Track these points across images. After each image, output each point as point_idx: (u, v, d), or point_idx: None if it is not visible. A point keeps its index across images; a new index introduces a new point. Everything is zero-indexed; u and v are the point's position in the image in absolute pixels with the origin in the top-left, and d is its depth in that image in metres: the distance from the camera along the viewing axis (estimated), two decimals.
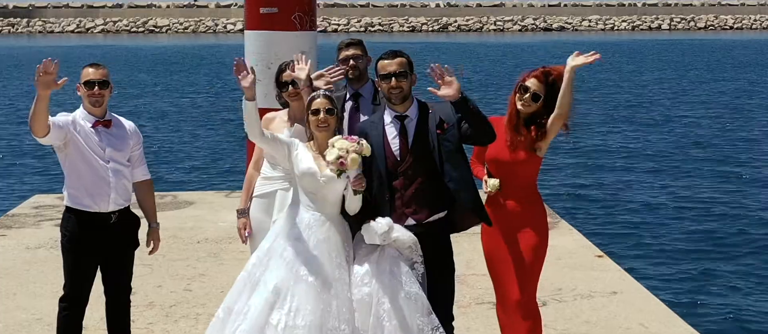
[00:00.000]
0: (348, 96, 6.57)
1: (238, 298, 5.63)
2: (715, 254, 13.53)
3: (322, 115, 5.71)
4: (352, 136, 5.63)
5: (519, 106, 6.21)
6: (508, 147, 6.20)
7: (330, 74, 6.51)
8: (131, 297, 6.76)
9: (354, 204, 5.64)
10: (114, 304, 6.57)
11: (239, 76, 5.68)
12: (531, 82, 6.19)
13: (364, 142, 5.59)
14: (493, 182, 6.16)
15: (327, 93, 5.83)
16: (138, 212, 6.72)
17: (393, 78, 5.72)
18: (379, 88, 5.88)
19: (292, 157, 5.73)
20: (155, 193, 11.93)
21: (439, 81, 5.57)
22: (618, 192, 18.42)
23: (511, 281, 6.25)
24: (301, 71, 6.15)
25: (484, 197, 6.14)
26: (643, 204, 17.13)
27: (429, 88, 5.64)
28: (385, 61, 5.78)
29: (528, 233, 6.25)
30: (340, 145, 5.55)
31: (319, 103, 5.74)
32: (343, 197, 5.68)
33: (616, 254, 12.51)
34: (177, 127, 29.92)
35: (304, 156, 5.70)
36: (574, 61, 6.10)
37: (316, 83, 6.35)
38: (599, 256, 10.21)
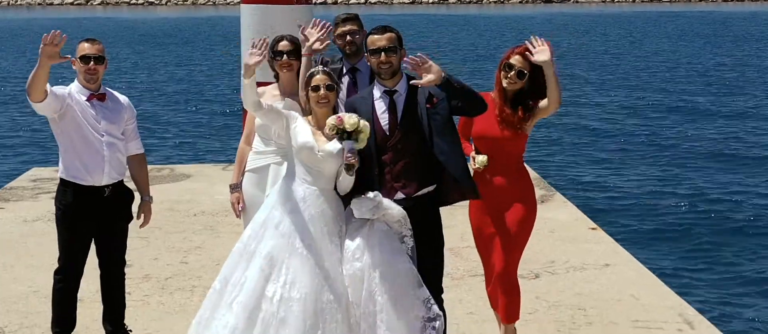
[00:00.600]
0: (345, 71, 6.59)
1: (235, 269, 5.69)
2: (708, 227, 13.59)
3: (322, 91, 5.74)
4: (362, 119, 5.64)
5: (505, 84, 6.25)
6: (496, 124, 6.24)
7: (318, 29, 6.41)
8: (127, 269, 6.84)
9: (346, 183, 5.68)
10: (108, 276, 6.64)
11: (250, 52, 5.71)
12: (515, 60, 6.23)
13: (365, 123, 5.61)
14: (482, 159, 6.21)
15: (326, 69, 5.86)
16: (132, 185, 6.79)
17: (383, 53, 5.76)
18: (369, 63, 5.91)
19: (290, 129, 5.76)
20: (153, 166, 12.00)
21: (418, 71, 5.59)
22: (614, 166, 18.49)
23: (496, 252, 6.31)
24: (311, 36, 6.16)
25: (471, 173, 6.20)
26: (639, 178, 17.20)
27: (412, 82, 5.68)
28: (375, 37, 5.81)
29: (515, 207, 6.30)
30: (341, 113, 5.61)
31: (319, 79, 5.77)
32: (337, 174, 5.73)
33: (611, 226, 12.58)
34: (174, 99, 29.97)
35: (302, 129, 5.74)
36: (539, 58, 6.11)
37: (312, 47, 6.31)
38: (593, 228, 10.28)
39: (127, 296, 6.95)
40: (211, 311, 5.67)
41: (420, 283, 5.69)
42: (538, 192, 11.91)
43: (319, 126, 5.76)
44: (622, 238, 10.84)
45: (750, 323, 9.64)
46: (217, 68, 39.78)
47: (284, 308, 5.49)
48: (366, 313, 5.60)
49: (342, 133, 5.54)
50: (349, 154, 5.58)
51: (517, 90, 6.26)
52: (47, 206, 11.24)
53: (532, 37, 6.22)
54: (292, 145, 5.77)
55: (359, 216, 5.67)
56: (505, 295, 6.34)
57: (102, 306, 6.77)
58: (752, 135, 21.75)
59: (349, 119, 5.55)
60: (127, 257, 6.82)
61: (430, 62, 5.59)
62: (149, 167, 14.20)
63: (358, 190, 5.71)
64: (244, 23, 10.47)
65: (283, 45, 6.39)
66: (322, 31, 6.35)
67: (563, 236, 9.91)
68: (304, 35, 6.18)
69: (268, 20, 10.17)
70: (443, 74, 5.60)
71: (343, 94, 6.46)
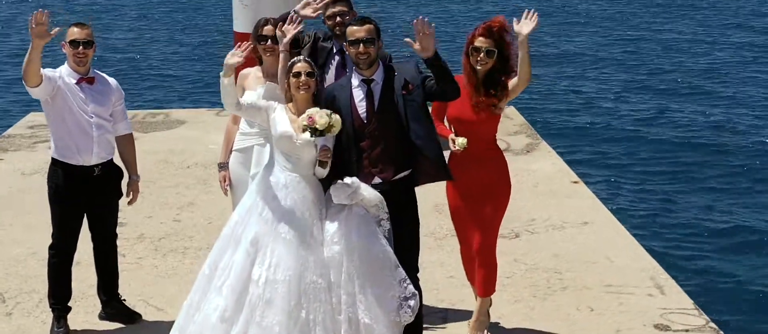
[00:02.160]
0: (334, 50, 6.77)
1: (223, 255, 5.97)
2: (689, 187, 13.84)
3: (303, 77, 5.95)
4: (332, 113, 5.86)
5: (477, 67, 6.46)
6: (470, 107, 6.47)
7: (316, 2, 6.68)
8: (121, 229, 7.14)
9: (319, 172, 5.94)
10: (100, 249, 6.93)
11: (231, 53, 5.93)
12: (480, 41, 6.43)
13: (336, 117, 5.85)
14: (461, 141, 6.43)
15: (307, 58, 6.07)
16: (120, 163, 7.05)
17: (361, 44, 5.96)
18: (347, 52, 6.12)
19: (270, 119, 6.00)
20: (147, 111, 12.16)
21: (419, 35, 5.77)
22: (601, 118, 18.66)
23: (472, 232, 6.59)
24: (287, 32, 6.35)
25: (448, 154, 6.46)
26: (628, 131, 17.35)
27: (405, 39, 5.87)
28: (354, 28, 6.01)
29: (490, 188, 6.56)
30: (312, 110, 5.83)
31: (300, 66, 5.98)
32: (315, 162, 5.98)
33: (593, 179, 12.86)
34: (169, 44, 29.94)
35: (281, 119, 5.97)
36: (522, 29, 6.32)
37: (303, 13, 6.53)
38: (575, 182, 10.56)
39: (121, 258, 7.26)
40: (201, 294, 5.97)
41: (396, 264, 5.96)
42: (524, 140, 12.30)
43: (299, 112, 5.98)
44: (604, 192, 11.10)
45: (719, 283, 9.98)
46: (215, 13, 39.67)
47: (270, 289, 5.79)
48: (346, 294, 5.89)
49: (313, 131, 5.77)
50: (323, 151, 5.82)
51: (489, 69, 6.49)
52: (44, 156, 11.48)
53: (494, 24, 6.40)
54: (272, 134, 6.01)
55: (338, 202, 5.94)
56: (482, 269, 6.63)
57: (96, 273, 7.09)
58: (745, 94, 21.74)
59: (320, 119, 5.76)
60: (121, 216, 7.11)
61: (432, 31, 5.78)
62: (143, 112, 14.55)
63: (337, 175, 5.97)
64: None
65: (267, 30, 6.58)
66: (319, 5, 6.57)
67: (545, 191, 10.20)
68: (282, 32, 6.36)
69: None
70: (435, 50, 5.82)
71: (331, 72, 6.69)
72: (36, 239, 8.67)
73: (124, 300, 7.13)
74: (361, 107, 6.03)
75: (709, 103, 20.07)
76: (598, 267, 8.10)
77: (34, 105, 18.57)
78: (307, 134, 5.80)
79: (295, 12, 6.55)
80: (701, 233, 11.57)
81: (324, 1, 6.65)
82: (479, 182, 6.54)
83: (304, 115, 5.81)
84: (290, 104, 6.07)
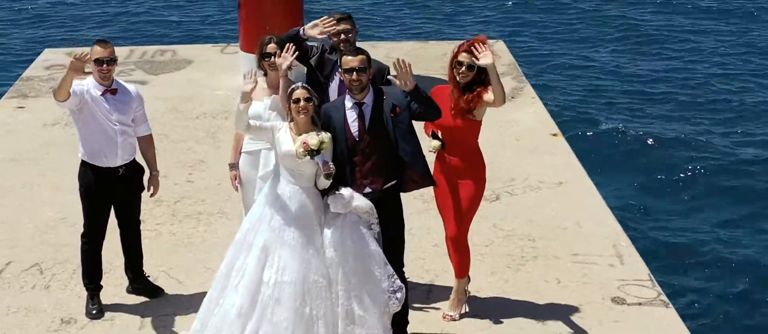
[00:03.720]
0: (339, 62, 7.54)
1: (237, 257, 6.92)
2: (665, 140, 14.63)
3: (302, 103, 6.81)
4: (320, 134, 6.75)
5: (459, 79, 7.33)
6: (451, 115, 7.36)
7: (324, 24, 7.51)
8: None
9: (323, 183, 6.86)
10: (126, 235, 7.89)
11: (245, 81, 6.80)
12: (463, 57, 7.29)
13: (325, 134, 6.74)
14: (436, 144, 7.35)
15: (305, 85, 6.91)
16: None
17: (354, 72, 6.81)
18: (342, 78, 6.97)
19: (274, 139, 6.89)
20: (156, 47, 13.05)
21: (400, 74, 6.66)
22: (588, 63, 19.22)
23: (450, 221, 7.55)
24: (284, 61, 7.18)
25: (432, 155, 7.39)
26: (613, 78, 17.96)
27: (389, 76, 6.74)
28: (349, 58, 6.86)
29: (467, 185, 7.49)
30: (303, 137, 6.72)
31: (299, 93, 6.83)
32: (316, 175, 6.89)
33: (573, 130, 13.67)
34: None
35: (284, 139, 6.86)
36: (485, 61, 7.16)
37: (310, 33, 7.37)
38: (554, 134, 11.46)
39: (142, 224, 8.18)
40: (220, 292, 6.95)
41: (385, 262, 6.93)
42: (510, 83, 13.15)
43: (299, 131, 6.86)
44: (579, 147, 11.89)
45: (678, 243, 10.98)
46: None
47: (278, 290, 6.77)
48: (343, 289, 6.89)
49: (311, 153, 6.67)
50: (325, 166, 6.73)
51: (469, 81, 7.36)
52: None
53: (475, 43, 7.25)
54: (277, 152, 6.91)
55: (334, 211, 6.88)
56: (456, 255, 7.62)
57: (123, 253, 8.07)
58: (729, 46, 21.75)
59: (312, 140, 6.64)
60: (139, 218, 8.05)
61: (411, 71, 6.69)
62: (153, 49, 15.29)
63: (333, 185, 6.91)
64: None
65: (271, 47, 7.42)
66: (327, 29, 7.40)
67: (526, 145, 11.12)
68: (278, 63, 7.19)
69: None
70: (415, 84, 6.71)
71: (336, 82, 7.52)
72: (64, 202, 9.61)
73: (149, 276, 8.14)
74: (354, 127, 6.91)
75: (696, 66, 20.32)
76: (568, 234, 9.07)
77: (49, 41, 19.38)
78: (307, 157, 6.71)
79: (304, 32, 7.39)
80: (666, 191, 12.52)
81: (331, 24, 7.46)
82: (458, 178, 7.46)
83: (298, 143, 6.69)
84: (292, 124, 6.95)
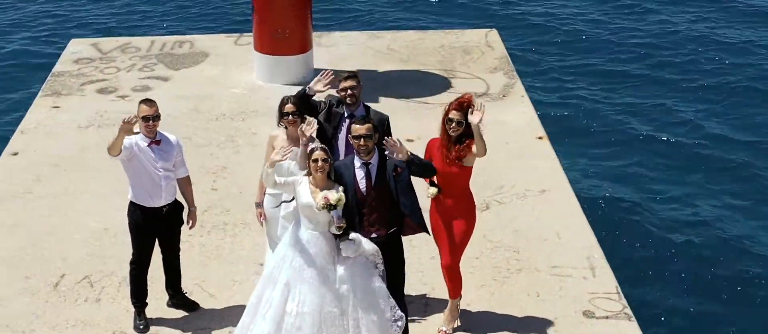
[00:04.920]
0: (346, 115, 8.85)
1: (265, 290, 8.24)
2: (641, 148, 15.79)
3: (320, 163, 8.09)
4: (336, 190, 8.04)
5: (450, 132, 8.59)
6: (446, 163, 8.64)
7: (325, 78, 8.79)
8: None
9: (335, 231, 8.18)
10: (168, 262, 9.22)
11: (275, 152, 8.09)
12: (453, 115, 8.53)
13: (342, 193, 8.03)
14: (432, 191, 8.63)
15: (324, 147, 8.18)
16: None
17: (362, 139, 8.09)
18: (351, 142, 8.24)
19: (296, 192, 8.18)
20: (175, 39, 14.25)
21: (393, 150, 7.95)
22: (579, 62, 19.96)
23: (445, 252, 8.86)
24: (307, 130, 8.40)
25: (428, 200, 8.69)
26: (603, 75, 18.89)
27: (386, 152, 8.03)
28: (357, 126, 8.11)
29: (460, 223, 8.78)
30: (324, 193, 8.02)
31: (318, 154, 8.10)
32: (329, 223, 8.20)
33: (558, 129, 14.83)
34: None
35: (304, 192, 8.14)
36: (473, 119, 8.40)
37: (316, 88, 8.70)
38: (540, 137, 12.72)
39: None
40: (251, 318, 8.29)
41: (388, 295, 8.27)
42: (502, 80, 14.38)
43: (317, 185, 8.16)
44: (566, 146, 13.12)
45: (649, 259, 12.31)
46: None
47: (300, 319, 8.12)
48: (353, 319, 8.24)
49: (329, 207, 7.97)
50: (339, 220, 8.04)
51: (459, 134, 8.62)
52: (94, 104, 13.69)
53: (463, 102, 8.48)
54: (298, 203, 8.21)
55: (345, 255, 8.21)
56: (451, 281, 8.96)
57: (164, 275, 9.41)
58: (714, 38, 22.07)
59: (332, 197, 7.95)
60: (179, 247, 9.34)
61: (402, 147, 7.96)
62: (170, 40, 16.41)
63: (345, 232, 8.22)
64: None
65: (288, 107, 8.68)
66: (328, 82, 8.67)
67: (513, 149, 12.38)
68: (303, 130, 8.42)
69: None
70: (409, 155, 7.99)
71: (343, 132, 8.79)
72: (105, 212, 10.93)
73: (186, 293, 9.49)
74: (362, 184, 8.20)
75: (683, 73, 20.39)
76: (548, 246, 10.38)
77: (75, 32, 20.41)
78: (325, 210, 8.02)
79: (310, 89, 8.66)
80: (646, 197, 13.82)
81: (330, 79, 8.72)
82: (452, 216, 8.77)
83: (320, 197, 7.99)
84: (310, 178, 8.24)
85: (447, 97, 13.36)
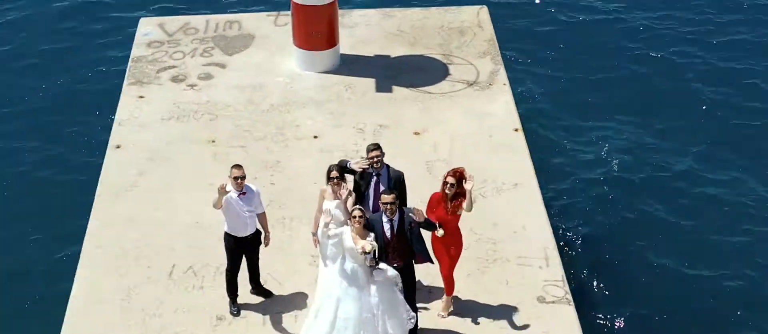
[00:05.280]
0: (374, 176, 12.79)
1: (323, 302, 12.36)
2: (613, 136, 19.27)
3: (357, 218, 12.10)
4: (370, 240, 12.07)
5: (447, 192, 12.57)
6: (445, 214, 12.65)
7: (359, 166, 12.76)
8: None
9: (369, 265, 12.29)
10: (251, 268, 13.33)
11: (331, 230, 12.14)
12: (450, 179, 12.51)
13: (375, 243, 12.08)
14: (440, 232, 12.66)
15: (360, 207, 12.16)
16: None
17: (389, 205, 12.10)
18: (381, 207, 12.23)
19: (343, 239, 12.24)
20: (225, 19, 18.05)
21: (416, 216, 11.98)
22: (565, 55, 22.13)
23: (444, 266, 12.99)
24: (345, 193, 12.42)
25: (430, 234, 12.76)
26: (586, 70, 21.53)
27: (409, 215, 12.02)
28: (385, 196, 12.11)
29: (453, 247, 12.87)
30: (364, 242, 12.07)
31: (356, 212, 12.08)
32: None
33: (534, 122, 18.29)
34: None
35: (347, 238, 12.18)
36: (467, 187, 12.34)
37: (353, 167, 12.71)
38: (516, 129, 16.46)
39: None
40: (312, 319, 12.49)
41: (405, 304, 12.45)
42: (489, 67, 18.03)
43: (357, 233, 12.20)
44: (540, 138, 16.65)
45: (600, 248, 16.32)
46: None
47: (346, 323, 12.31)
48: (381, 321, 12.43)
49: (365, 254, 12.05)
50: (371, 261, 12.12)
51: (454, 194, 12.63)
52: (172, 95, 17.19)
53: (466, 175, 12.45)
54: (343, 245, 12.28)
55: (377, 279, 12.35)
56: (447, 286, 13.12)
57: (248, 274, 13.52)
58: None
59: (368, 247, 11.99)
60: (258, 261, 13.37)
61: (421, 213, 12.02)
62: (222, 20, 19.85)
63: (377, 263, 12.35)
64: None
65: (333, 173, 12.64)
66: (363, 166, 12.66)
67: (494, 142, 15.98)
68: (342, 194, 12.45)
69: None
70: (423, 218, 12.05)
71: (371, 190, 12.79)
72: (195, 207, 14.63)
73: (264, 284, 13.65)
74: (388, 233, 12.26)
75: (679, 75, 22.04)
76: (517, 238, 14.24)
77: (142, 11, 23.27)
78: (364, 256, 12.13)
79: (349, 164, 12.68)
80: (603, 190, 17.59)
81: (370, 161, 12.68)
82: (448, 245, 12.86)
83: (360, 244, 12.06)
84: (351, 228, 12.29)
85: (446, 86, 17.17)
